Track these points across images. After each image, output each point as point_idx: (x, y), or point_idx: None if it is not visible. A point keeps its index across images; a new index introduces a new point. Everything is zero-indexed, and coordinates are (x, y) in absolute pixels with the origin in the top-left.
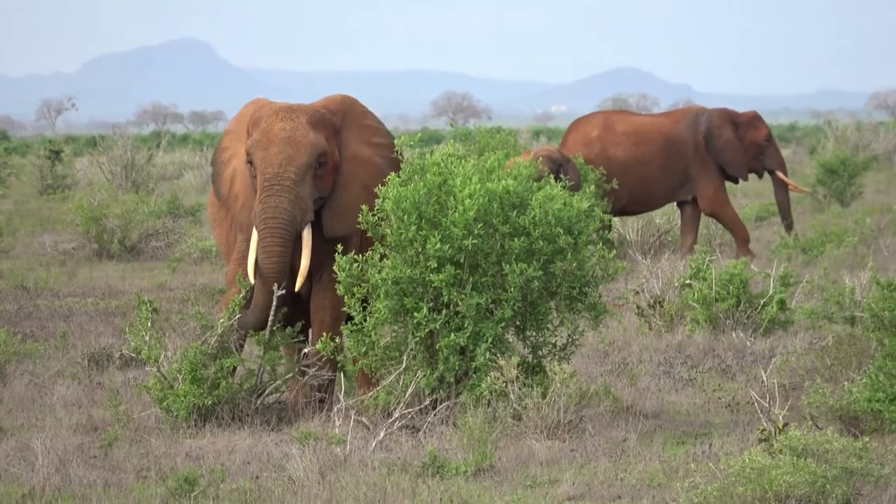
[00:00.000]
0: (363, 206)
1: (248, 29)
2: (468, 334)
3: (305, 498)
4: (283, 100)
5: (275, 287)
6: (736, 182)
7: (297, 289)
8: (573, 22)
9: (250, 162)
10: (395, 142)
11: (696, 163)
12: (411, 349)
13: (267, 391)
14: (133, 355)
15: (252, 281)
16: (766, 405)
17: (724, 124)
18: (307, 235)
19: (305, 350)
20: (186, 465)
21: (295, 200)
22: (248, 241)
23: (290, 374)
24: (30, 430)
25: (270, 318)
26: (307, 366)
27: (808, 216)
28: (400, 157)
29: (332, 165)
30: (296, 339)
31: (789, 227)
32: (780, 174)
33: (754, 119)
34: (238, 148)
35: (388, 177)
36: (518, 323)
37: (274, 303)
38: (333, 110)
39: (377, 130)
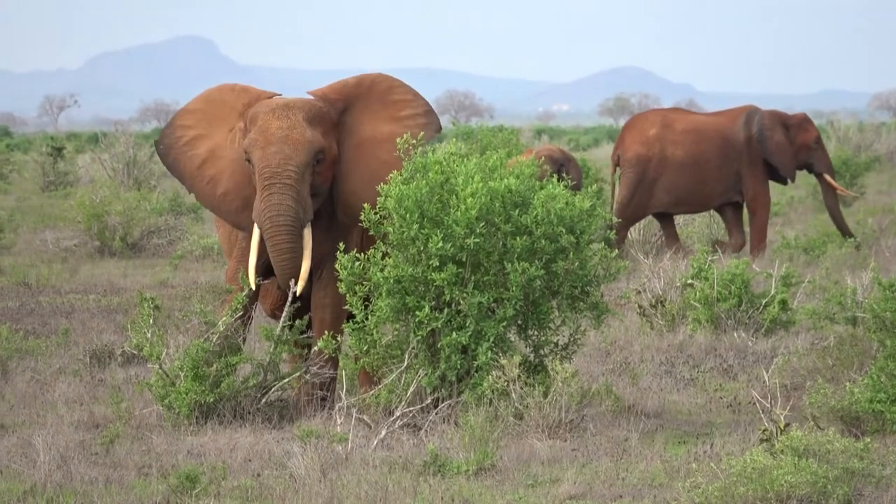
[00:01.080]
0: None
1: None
2: (470, 333)
3: (307, 496)
4: (278, 94)
5: (291, 283)
6: (784, 183)
7: (297, 293)
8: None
9: (248, 160)
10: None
11: (746, 162)
12: (413, 348)
13: (272, 390)
14: (135, 352)
15: (253, 281)
16: (768, 405)
17: (776, 126)
18: (307, 236)
19: (315, 349)
20: (188, 462)
21: (297, 197)
22: (248, 237)
23: (297, 374)
24: (31, 427)
25: (284, 314)
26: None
27: (810, 216)
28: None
29: (331, 160)
30: (304, 335)
31: (846, 233)
32: (827, 177)
33: (804, 121)
34: (209, 130)
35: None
36: (520, 322)
37: (290, 298)
38: (332, 99)
39: (406, 104)
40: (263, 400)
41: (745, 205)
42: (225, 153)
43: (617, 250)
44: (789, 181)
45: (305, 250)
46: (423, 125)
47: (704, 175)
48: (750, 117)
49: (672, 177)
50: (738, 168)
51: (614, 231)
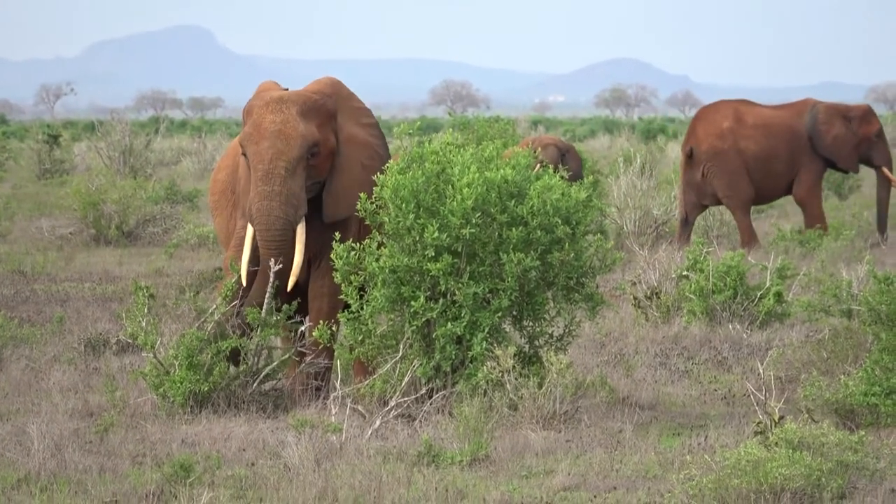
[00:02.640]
0: (361, 189)
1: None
2: (465, 324)
3: (300, 485)
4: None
5: (271, 262)
6: (846, 173)
7: (289, 288)
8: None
9: (244, 154)
10: (395, 129)
11: (805, 155)
12: (408, 338)
13: (262, 373)
14: (129, 341)
15: (245, 274)
16: (762, 398)
17: (832, 119)
18: (301, 231)
19: (303, 328)
20: (182, 451)
21: (287, 200)
22: (245, 227)
23: (287, 357)
24: (26, 415)
25: (267, 296)
26: (304, 353)
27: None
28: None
29: (327, 151)
30: (292, 320)
31: (882, 230)
32: (885, 171)
33: (867, 114)
34: None
35: (382, 156)
36: (515, 313)
37: (271, 279)
38: (327, 94)
39: (365, 111)
40: (255, 384)
41: (793, 193)
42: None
43: (758, 245)
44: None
45: (298, 244)
46: (378, 136)
47: (774, 169)
48: (810, 111)
49: (749, 170)
50: (801, 162)
51: (741, 231)
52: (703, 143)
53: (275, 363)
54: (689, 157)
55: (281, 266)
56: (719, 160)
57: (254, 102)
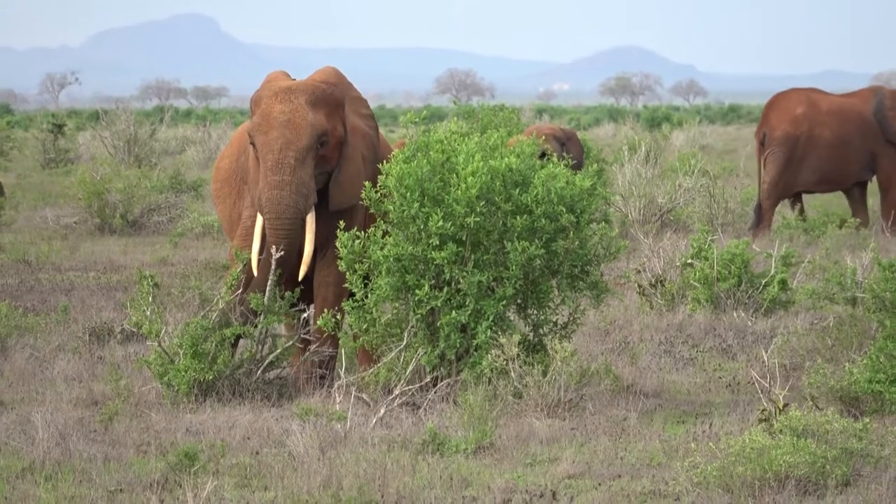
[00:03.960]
0: (364, 179)
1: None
2: (469, 312)
3: (305, 474)
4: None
5: (273, 249)
6: None
7: (300, 277)
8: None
9: (253, 144)
10: (401, 118)
11: (881, 142)
12: (412, 326)
13: (266, 361)
14: (134, 330)
15: (256, 266)
16: (767, 385)
17: None
18: (311, 221)
19: (305, 315)
20: (187, 439)
21: (297, 190)
22: (253, 217)
23: (290, 344)
24: (30, 404)
25: (270, 283)
26: (308, 342)
27: (811, 197)
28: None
29: (336, 141)
30: (296, 307)
31: None
32: None
33: None
34: None
35: (376, 147)
36: (519, 301)
37: (272, 266)
38: (334, 83)
39: (363, 102)
40: (259, 372)
41: (878, 178)
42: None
43: (767, 230)
44: None
45: (308, 234)
46: (373, 127)
47: (847, 155)
48: (877, 97)
49: (818, 156)
50: (872, 148)
51: (762, 221)
52: (776, 130)
53: (278, 350)
54: (762, 143)
55: (283, 253)
56: (788, 147)
57: (262, 92)
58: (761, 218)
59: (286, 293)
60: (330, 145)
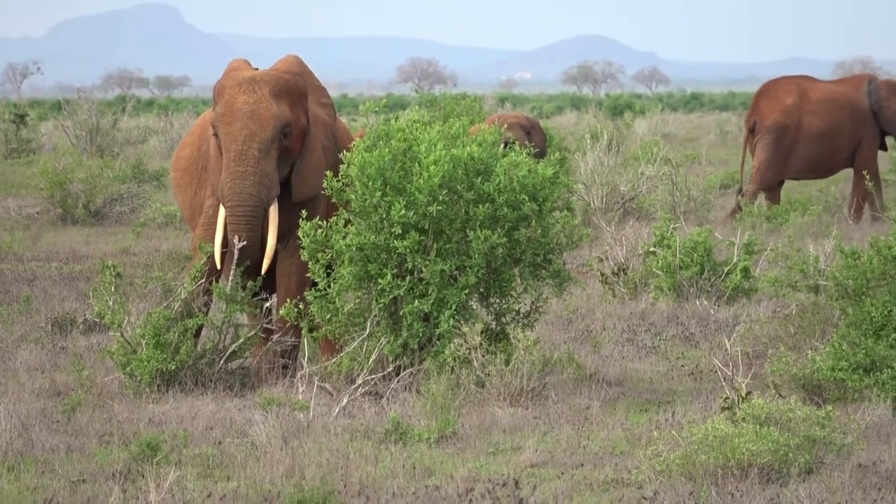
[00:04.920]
0: (326, 168)
1: None
2: (432, 301)
3: (268, 463)
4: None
5: (236, 239)
6: None
7: (264, 269)
8: None
9: (216, 134)
10: (361, 107)
11: (866, 129)
12: (375, 315)
13: (229, 350)
14: (97, 320)
15: (219, 256)
16: (730, 373)
17: (891, 95)
18: (273, 213)
19: (268, 304)
20: (149, 430)
21: (260, 181)
22: (215, 206)
23: (253, 333)
24: None
25: (232, 273)
26: (271, 331)
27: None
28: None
29: (299, 132)
30: (258, 297)
31: None
32: None
33: None
34: None
35: (336, 137)
36: (482, 290)
37: (235, 255)
38: (297, 73)
39: (323, 91)
40: (222, 362)
41: (855, 162)
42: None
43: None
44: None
45: (271, 227)
46: (332, 116)
47: (838, 143)
48: (869, 86)
49: (808, 145)
50: (861, 136)
51: (748, 198)
52: (766, 119)
53: (240, 340)
54: (752, 132)
55: (245, 243)
56: (778, 135)
57: (225, 82)
58: (739, 204)
59: (248, 283)
60: (293, 136)
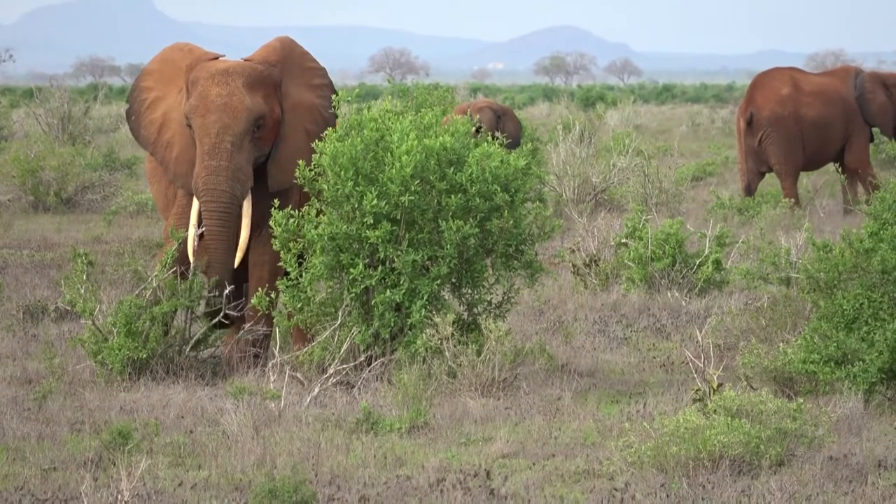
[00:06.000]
0: (305, 157)
1: None
2: (404, 291)
3: (239, 452)
4: (221, 55)
5: (192, 227)
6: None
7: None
8: None
9: (189, 126)
10: (333, 97)
11: (856, 122)
12: (347, 305)
13: (193, 339)
14: (68, 308)
15: (192, 250)
16: (701, 365)
17: (876, 87)
18: (247, 206)
19: (227, 291)
20: (121, 418)
21: (234, 176)
22: (188, 196)
23: (215, 321)
24: None
25: (193, 263)
26: (243, 320)
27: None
28: (336, 109)
29: (273, 122)
30: (211, 293)
31: None
32: None
33: None
34: (165, 91)
35: (326, 119)
36: (454, 280)
37: (193, 244)
38: (273, 62)
39: (317, 72)
40: (188, 349)
41: (845, 161)
42: (176, 115)
43: (799, 208)
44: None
45: (245, 219)
46: (328, 97)
47: (830, 135)
48: (855, 79)
49: (806, 136)
50: (850, 129)
51: (786, 196)
52: (763, 110)
53: (203, 329)
54: (749, 124)
55: (212, 229)
56: (779, 126)
57: (199, 74)
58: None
59: (195, 277)
60: (267, 127)
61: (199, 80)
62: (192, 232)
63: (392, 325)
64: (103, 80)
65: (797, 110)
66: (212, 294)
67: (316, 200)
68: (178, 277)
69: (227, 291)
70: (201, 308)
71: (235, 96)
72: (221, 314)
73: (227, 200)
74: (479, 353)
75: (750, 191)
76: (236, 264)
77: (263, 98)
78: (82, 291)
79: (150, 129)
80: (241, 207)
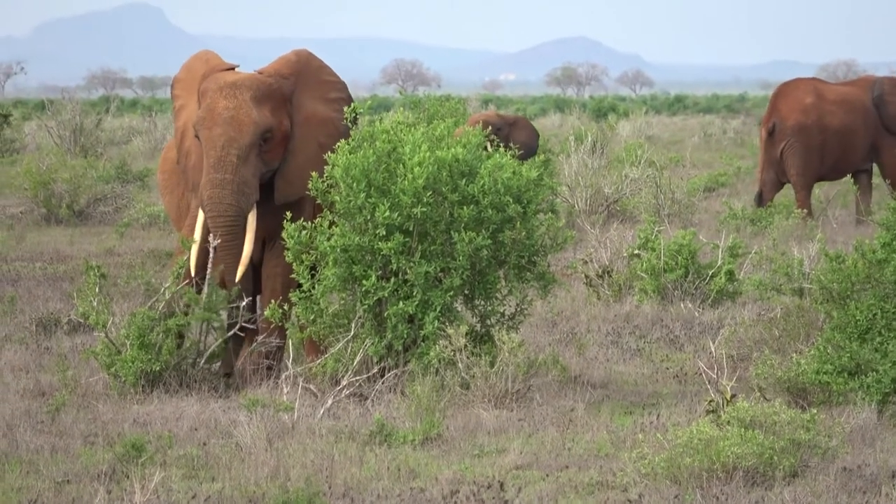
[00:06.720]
0: (314, 170)
1: None
2: (417, 302)
3: (253, 465)
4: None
5: (210, 237)
6: None
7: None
8: None
9: (197, 137)
10: (346, 109)
11: (879, 131)
12: (360, 317)
13: (208, 351)
14: (81, 320)
15: (194, 257)
16: (714, 376)
17: (895, 91)
18: (251, 219)
19: (244, 303)
20: (134, 431)
21: (238, 189)
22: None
23: (230, 335)
24: None
25: (208, 275)
26: (256, 332)
27: (758, 187)
28: (353, 122)
29: (281, 136)
30: (232, 303)
31: None
32: None
33: None
34: (187, 99)
35: (341, 131)
36: (467, 292)
37: (211, 255)
38: (285, 75)
39: (334, 85)
40: (202, 362)
41: (884, 173)
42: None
43: (811, 219)
44: None
45: (248, 233)
46: (340, 109)
47: (853, 143)
48: (875, 86)
49: (829, 145)
50: (874, 137)
51: (799, 207)
52: (787, 119)
53: (218, 341)
54: (771, 133)
55: (220, 242)
56: (802, 135)
57: (208, 85)
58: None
59: (223, 291)
60: (274, 141)
61: (209, 92)
62: (198, 240)
63: (405, 336)
64: (115, 92)
65: (821, 119)
66: (234, 305)
67: (328, 212)
68: (195, 288)
69: (245, 303)
70: (224, 319)
71: (242, 109)
72: (238, 326)
73: (233, 214)
74: (492, 364)
75: (762, 201)
76: (238, 278)
77: (271, 111)
78: (95, 304)
79: (176, 136)
80: (246, 219)
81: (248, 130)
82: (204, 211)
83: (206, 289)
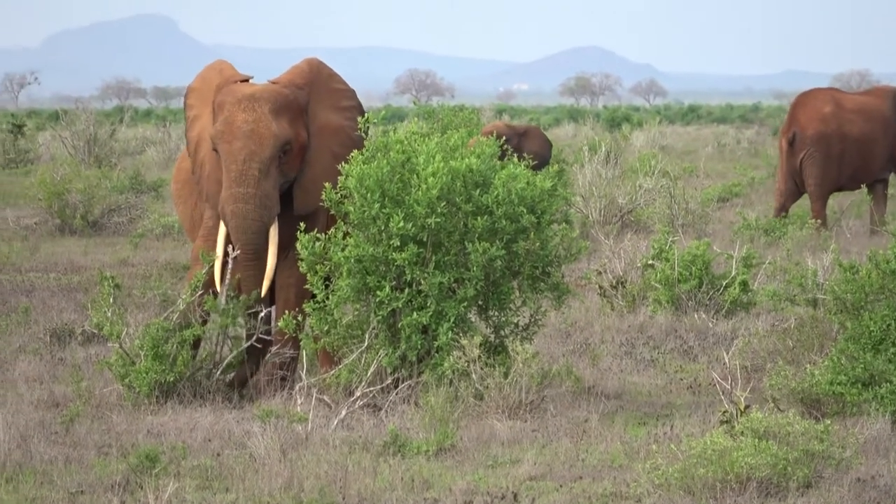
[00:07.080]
0: (331, 179)
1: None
2: (430, 313)
3: (266, 476)
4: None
5: (229, 249)
6: None
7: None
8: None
9: (216, 150)
10: (359, 120)
11: None
12: (373, 328)
13: (225, 362)
14: (95, 331)
15: (218, 268)
16: (728, 387)
17: None
18: (274, 233)
19: (262, 314)
20: (148, 441)
21: (261, 203)
22: (215, 217)
23: (248, 344)
24: None
25: (226, 285)
26: (270, 343)
27: (771, 198)
28: (365, 132)
29: (299, 147)
30: (250, 310)
31: None
32: None
33: None
34: (202, 109)
35: (354, 140)
36: (480, 302)
37: (230, 266)
38: (299, 85)
39: (345, 94)
40: (218, 373)
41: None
42: (208, 135)
43: (825, 229)
44: None
45: (271, 247)
46: (355, 118)
47: (872, 152)
48: (893, 95)
49: (848, 154)
50: (892, 145)
51: (814, 217)
52: (807, 129)
53: (235, 352)
54: (791, 144)
55: (238, 254)
56: (821, 145)
57: (225, 98)
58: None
59: (242, 296)
60: (293, 152)
61: (226, 105)
62: (220, 251)
63: (419, 347)
64: (129, 102)
65: (840, 128)
66: (252, 311)
67: (342, 223)
68: (214, 299)
69: (264, 312)
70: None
71: (262, 122)
72: (255, 337)
73: (257, 229)
74: (506, 375)
75: (783, 212)
76: (264, 291)
77: (289, 123)
78: (109, 314)
79: (190, 146)
80: (268, 232)
81: (269, 143)
82: (227, 225)
83: (221, 297)
